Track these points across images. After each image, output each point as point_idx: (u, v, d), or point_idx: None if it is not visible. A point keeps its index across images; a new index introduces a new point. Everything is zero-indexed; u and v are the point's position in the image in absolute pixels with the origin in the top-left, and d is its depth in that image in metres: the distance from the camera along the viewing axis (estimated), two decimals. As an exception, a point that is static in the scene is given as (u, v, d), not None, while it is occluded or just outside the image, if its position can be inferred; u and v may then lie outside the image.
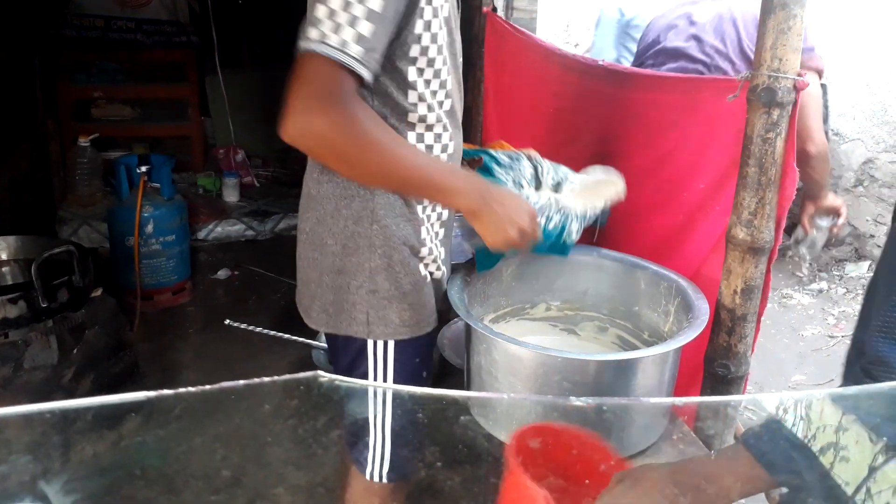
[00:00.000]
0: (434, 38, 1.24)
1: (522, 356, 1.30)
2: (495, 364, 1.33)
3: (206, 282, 3.74)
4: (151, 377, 2.79)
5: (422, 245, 1.36)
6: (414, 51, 1.23)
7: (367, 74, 1.12)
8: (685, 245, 1.74)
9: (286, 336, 2.13)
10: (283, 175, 4.89)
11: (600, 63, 2.03)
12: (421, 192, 1.29)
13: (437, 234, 1.40)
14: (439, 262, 1.41)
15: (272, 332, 2.15)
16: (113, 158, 3.97)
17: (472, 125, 2.88)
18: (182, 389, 0.71)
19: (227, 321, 2.18)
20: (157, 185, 3.34)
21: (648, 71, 1.99)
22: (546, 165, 1.49)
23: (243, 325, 2.18)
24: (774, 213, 1.42)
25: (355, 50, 1.09)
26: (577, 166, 1.56)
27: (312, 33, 1.10)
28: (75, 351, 2.41)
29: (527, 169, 1.47)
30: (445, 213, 1.42)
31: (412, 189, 1.29)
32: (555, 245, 1.38)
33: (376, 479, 1.44)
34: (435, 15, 1.22)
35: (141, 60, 4.70)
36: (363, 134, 1.13)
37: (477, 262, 1.49)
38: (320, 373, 0.79)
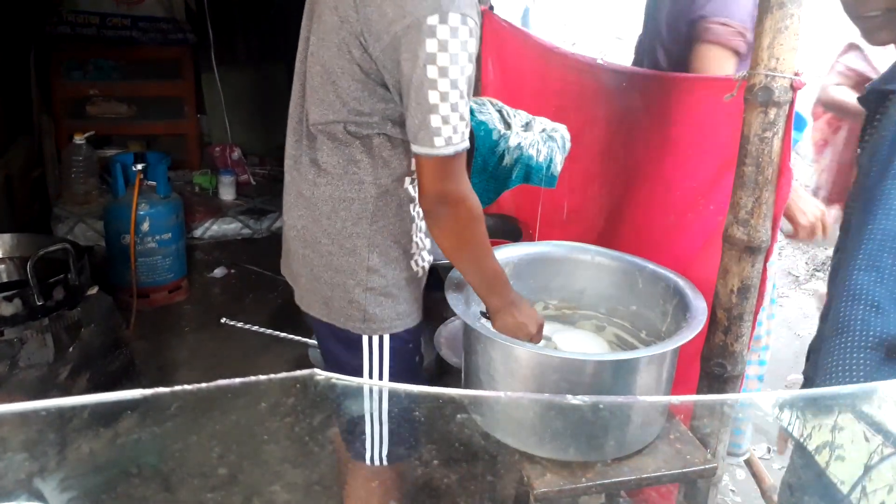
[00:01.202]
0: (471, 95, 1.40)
1: (520, 356, 1.30)
2: (493, 364, 1.33)
3: (202, 280, 3.73)
4: (147, 375, 2.78)
5: (410, 241, 1.44)
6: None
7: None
8: (677, 243, 1.74)
9: (282, 335, 2.12)
10: (279, 173, 4.86)
11: (599, 62, 2.03)
12: (485, 286, 1.42)
13: (420, 226, 1.48)
14: (423, 253, 1.50)
15: (268, 331, 2.14)
16: (109, 156, 3.96)
17: (469, 124, 2.88)
18: (178, 387, 0.71)
19: (223, 320, 2.17)
20: (153, 183, 3.33)
21: (646, 70, 1.99)
22: (507, 109, 1.66)
23: (239, 324, 2.17)
24: (771, 213, 1.42)
25: (467, 132, 1.27)
26: (578, 164, 1.57)
27: (437, 142, 1.23)
28: (71, 349, 2.41)
29: (493, 112, 1.63)
30: None
31: (485, 283, 1.41)
32: (545, 177, 1.51)
33: (377, 462, 1.50)
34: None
35: (137, 58, 4.68)
36: (480, 235, 1.35)
37: None
38: (316, 371, 0.79)
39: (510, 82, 2.55)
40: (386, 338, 1.46)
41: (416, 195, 1.41)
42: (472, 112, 1.54)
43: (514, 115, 1.67)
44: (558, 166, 1.52)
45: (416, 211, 1.44)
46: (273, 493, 1.67)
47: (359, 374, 1.48)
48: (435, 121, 1.22)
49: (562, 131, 1.65)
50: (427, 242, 1.51)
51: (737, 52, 1.84)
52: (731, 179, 1.48)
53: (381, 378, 1.49)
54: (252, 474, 1.63)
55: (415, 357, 1.53)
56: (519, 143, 1.48)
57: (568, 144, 1.63)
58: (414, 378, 1.54)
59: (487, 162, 1.50)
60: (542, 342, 1.48)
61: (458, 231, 1.32)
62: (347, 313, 1.43)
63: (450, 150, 1.23)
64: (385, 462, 1.51)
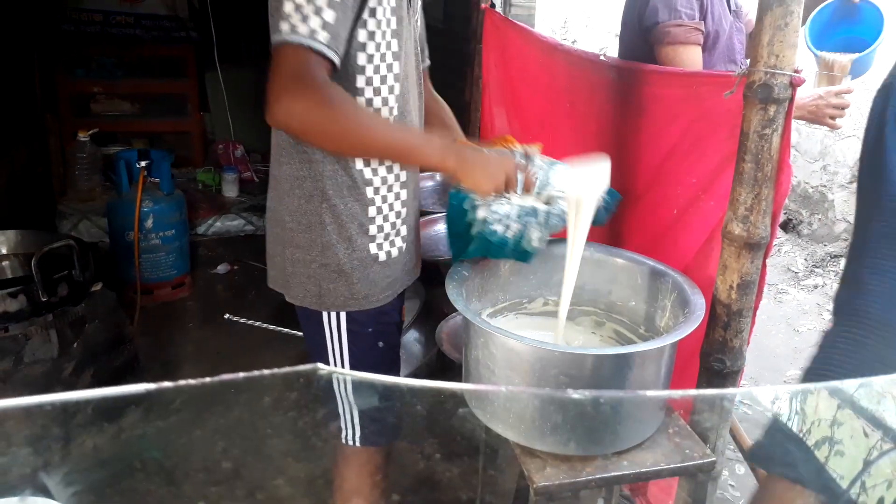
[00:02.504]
0: (379, 24, 1.35)
1: (520, 350, 1.30)
2: (493, 358, 1.34)
3: (205, 276, 3.74)
4: (151, 371, 2.80)
5: (370, 223, 1.46)
6: (362, 36, 1.34)
7: (335, 58, 1.23)
8: (678, 239, 1.75)
9: (285, 330, 2.14)
10: (282, 170, 4.89)
11: (602, 58, 2.03)
12: (401, 158, 1.40)
13: (398, 213, 1.50)
14: (394, 239, 1.51)
15: (271, 327, 2.16)
16: (112, 153, 3.97)
17: (469, 121, 2.88)
18: (182, 382, 0.72)
19: (226, 315, 2.19)
20: (157, 180, 3.35)
21: (649, 65, 1.99)
22: (538, 165, 1.48)
23: (242, 320, 2.19)
24: (770, 209, 1.42)
25: (323, 36, 1.20)
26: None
27: (283, 26, 1.20)
28: (75, 345, 2.42)
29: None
30: (405, 193, 1.51)
31: (392, 157, 1.39)
32: (515, 251, 1.41)
33: (350, 443, 1.55)
34: (380, 3, 1.33)
35: (140, 56, 4.70)
36: (340, 110, 1.24)
37: (450, 247, 1.52)
38: (320, 365, 0.80)
39: (514, 80, 2.56)
40: (343, 317, 1.48)
41: (376, 177, 1.44)
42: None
43: (542, 171, 1.48)
44: (533, 241, 1.42)
45: (382, 195, 1.46)
46: (276, 487, 1.69)
47: (324, 353, 1.52)
48: (287, 7, 1.20)
49: (563, 206, 1.46)
50: (404, 230, 1.52)
51: (698, 45, 2.04)
52: (730, 175, 1.49)
53: (342, 360, 1.52)
54: (255, 468, 1.64)
55: (377, 343, 1.54)
56: (485, 218, 1.40)
57: (563, 220, 1.45)
58: (378, 366, 1.55)
59: (458, 227, 1.43)
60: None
61: (311, 126, 1.24)
62: (305, 288, 1.47)
63: (292, 39, 1.19)
64: (362, 444, 1.55)
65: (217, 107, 4.92)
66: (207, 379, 0.73)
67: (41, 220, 3.80)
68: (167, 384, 0.72)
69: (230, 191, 4.47)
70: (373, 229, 1.47)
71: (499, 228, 1.39)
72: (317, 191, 1.42)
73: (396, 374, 1.66)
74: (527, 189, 1.40)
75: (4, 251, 2.65)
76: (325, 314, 1.49)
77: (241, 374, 0.76)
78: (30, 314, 2.27)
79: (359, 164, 1.43)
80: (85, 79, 4.58)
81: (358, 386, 1.35)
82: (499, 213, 1.40)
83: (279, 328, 2.16)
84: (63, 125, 4.30)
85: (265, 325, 2.17)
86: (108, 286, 2.69)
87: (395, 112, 1.43)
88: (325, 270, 1.45)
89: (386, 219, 1.48)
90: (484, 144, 1.53)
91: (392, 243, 1.51)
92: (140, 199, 3.22)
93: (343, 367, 1.51)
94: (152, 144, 4.68)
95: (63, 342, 2.37)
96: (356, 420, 1.54)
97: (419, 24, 1.56)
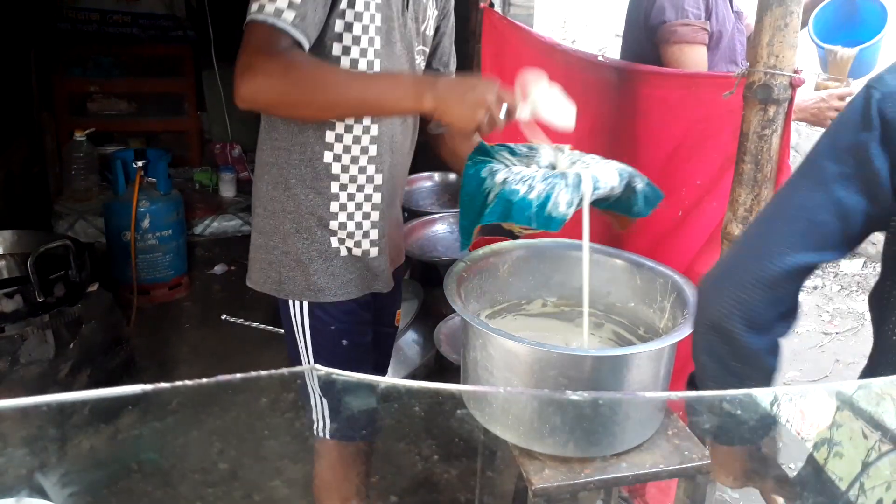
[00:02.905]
0: (359, 17, 1.34)
1: (518, 351, 1.30)
2: (491, 359, 1.33)
3: (202, 277, 3.73)
4: (148, 372, 2.79)
5: (332, 218, 1.46)
6: (338, 26, 1.33)
7: (301, 38, 1.23)
8: (681, 240, 1.74)
9: (282, 331, 2.13)
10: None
11: (600, 58, 2.03)
12: (377, 110, 1.34)
13: (366, 214, 1.48)
14: (360, 239, 1.49)
15: (268, 327, 2.15)
16: (109, 153, 3.96)
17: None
18: (179, 383, 0.71)
19: (223, 316, 2.18)
20: (154, 180, 3.34)
21: (648, 66, 1.99)
22: (568, 152, 1.39)
23: (240, 320, 2.18)
24: (770, 210, 1.42)
25: (288, 15, 1.21)
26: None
27: (252, 6, 1.22)
28: (72, 345, 2.41)
29: (545, 156, 1.38)
30: (378, 196, 1.48)
31: (367, 110, 1.34)
32: (538, 216, 1.22)
33: (320, 434, 1.55)
34: None
35: (137, 55, 4.69)
36: (303, 73, 1.22)
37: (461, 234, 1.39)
38: (316, 366, 0.80)
39: (512, 80, 2.55)
40: (305, 309, 1.49)
41: (345, 174, 1.44)
42: (490, 153, 1.37)
43: (568, 157, 1.38)
44: (560, 206, 1.21)
45: (349, 193, 1.45)
46: (273, 488, 1.68)
47: (294, 343, 1.54)
48: None
49: (599, 171, 1.30)
50: (374, 233, 1.50)
51: (703, 45, 2.05)
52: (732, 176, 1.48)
53: (307, 351, 1.52)
54: (252, 469, 1.63)
55: (341, 340, 1.53)
56: (505, 179, 1.25)
57: (606, 187, 1.28)
58: (343, 363, 1.44)
59: (475, 202, 1.29)
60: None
61: (276, 97, 1.23)
62: (266, 275, 1.49)
63: (258, 17, 1.22)
64: (332, 437, 1.55)
65: (214, 106, 4.90)
66: (204, 380, 0.72)
67: (37, 221, 3.79)
68: (164, 385, 0.71)
69: (227, 191, 4.46)
70: (334, 224, 1.46)
71: (521, 188, 1.23)
72: (281, 179, 1.44)
73: (366, 372, 1.64)
74: (510, 115, 1.24)
75: (0, 251, 2.64)
76: (290, 303, 1.50)
77: (238, 375, 0.75)
78: (26, 314, 2.27)
79: (327, 157, 1.43)
80: (82, 78, 4.57)
81: (326, 379, 1.34)
82: (521, 175, 1.25)
83: (276, 329, 2.15)
84: (59, 124, 4.29)
85: (262, 326, 2.16)
86: (104, 287, 2.68)
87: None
88: (285, 258, 1.47)
89: (351, 217, 1.47)
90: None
91: (358, 244, 1.49)
92: (137, 199, 3.21)
93: (309, 358, 1.52)
94: (149, 144, 4.67)
95: (59, 343, 2.36)
96: (326, 412, 1.55)
97: (429, 33, 1.55)
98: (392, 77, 1.37)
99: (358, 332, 1.56)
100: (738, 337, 1.03)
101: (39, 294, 2.25)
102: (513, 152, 1.39)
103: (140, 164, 3.25)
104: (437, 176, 2.94)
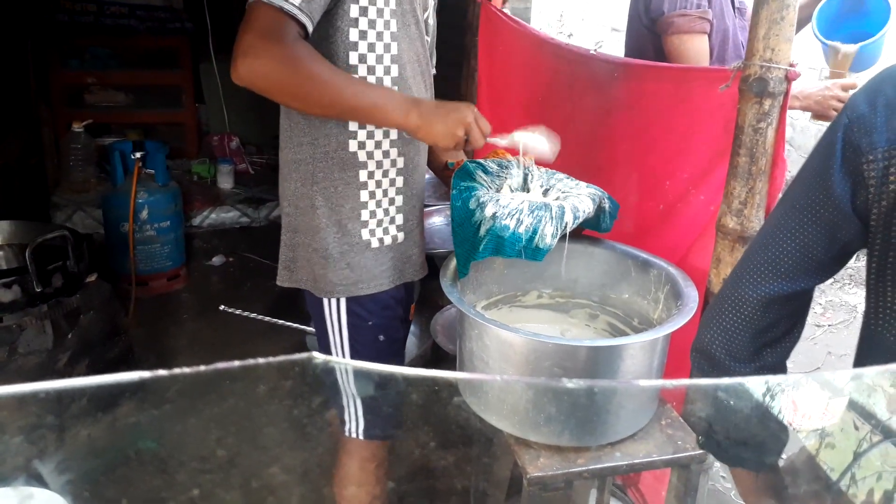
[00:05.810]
0: (373, 1, 1.35)
1: (514, 342, 1.31)
2: (487, 350, 1.34)
3: (200, 268, 3.74)
4: (146, 363, 2.80)
5: (362, 208, 1.46)
6: (353, 11, 1.34)
7: (306, 21, 1.23)
8: (668, 233, 1.75)
9: (280, 322, 2.14)
10: (277, 162, 4.88)
11: (592, 52, 2.04)
12: (366, 117, 1.36)
13: (391, 199, 1.49)
14: (387, 226, 1.50)
15: (266, 318, 2.16)
16: (107, 144, 3.96)
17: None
18: (177, 371, 0.72)
19: (221, 307, 2.19)
20: (152, 171, 3.34)
21: (639, 60, 2.00)
22: (538, 172, 1.51)
23: (238, 311, 2.19)
24: (764, 203, 1.43)
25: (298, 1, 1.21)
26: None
27: None
28: (70, 336, 2.42)
29: (515, 176, 1.50)
30: (401, 181, 1.50)
31: (358, 115, 1.36)
32: (526, 249, 1.34)
33: (353, 435, 1.55)
34: None
35: (134, 46, 4.67)
36: (305, 68, 1.23)
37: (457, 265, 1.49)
38: (315, 354, 0.80)
39: (507, 73, 2.56)
40: (343, 307, 1.48)
41: (371, 161, 1.44)
42: (471, 173, 1.46)
43: (538, 179, 1.50)
44: (546, 238, 1.33)
45: (377, 179, 1.46)
46: (271, 476, 1.69)
47: (326, 342, 1.53)
48: None
49: (576, 201, 1.42)
50: (400, 218, 1.51)
51: (704, 33, 2.05)
52: (722, 170, 1.49)
53: (342, 350, 1.52)
54: (250, 457, 1.65)
55: (378, 336, 1.54)
56: (494, 213, 1.34)
57: (584, 214, 1.41)
58: (379, 360, 1.54)
59: (466, 232, 1.38)
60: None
61: (274, 84, 1.24)
62: (302, 274, 1.49)
63: None
64: (365, 437, 1.55)
65: (212, 98, 4.90)
66: (202, 368, 0.73)
67: (35, 212, 3.79)
68: (162, 372, 0.72)
69: (225, 182, 4.46)
70: (365, 214, 1.47)
71: (510, 223, 1.34)
72: (309, 174, 1.44)
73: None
74: (474, 144, 1.36)
75: (-1, 241, 2.64)
76: (325, 302, 1.49)
77: (236, 363, 0.76)
78: (24, 305, 2.27)
79: (352, 145, 1.43)
80: (79, 69, 4.56)
81: (359, 376, 1.34)
82: (509, 208, 1.36)
83: (274, 320, 2.16)
84: (57, 116, 4.28)
85: (260, 317, 2.17)
86: (102, 277, 2.69)
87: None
88: (315, 255, 1.47)
89: (379, 204, 1.48)
90: (479, 157, 1.54)
91: (386, 230, 1.50)
92: (135, 190, 3.22)
93: (344, 357, 1.51)
94: (147, 136, 4.66)
95: (58, 333, 2.37)
96: (359, 412, 1.54)
97: (431, 21, 1.56)
98: (386, 90, 1.39)
99: (393, 327, 1.57)
100: (722, 363, 1.07)
101: (38, 284, 2.26)
102: (485, 171, 1.49)
103: (138, 155, 3.25)
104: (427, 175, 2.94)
